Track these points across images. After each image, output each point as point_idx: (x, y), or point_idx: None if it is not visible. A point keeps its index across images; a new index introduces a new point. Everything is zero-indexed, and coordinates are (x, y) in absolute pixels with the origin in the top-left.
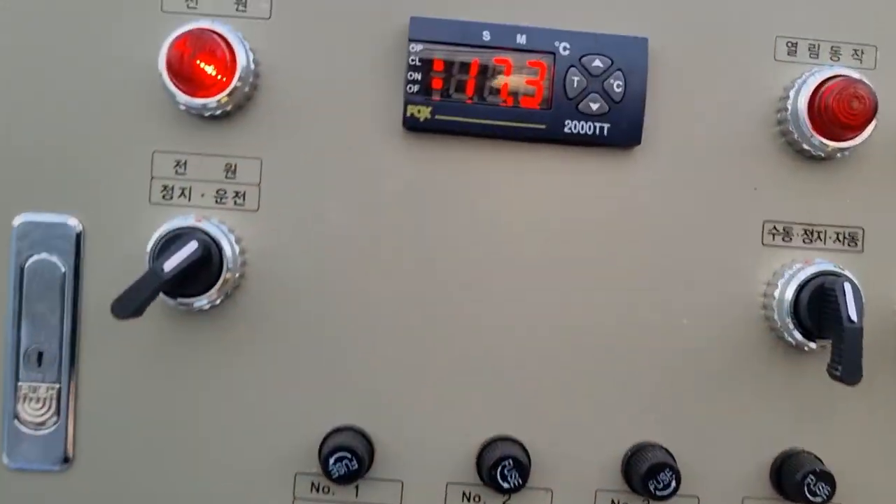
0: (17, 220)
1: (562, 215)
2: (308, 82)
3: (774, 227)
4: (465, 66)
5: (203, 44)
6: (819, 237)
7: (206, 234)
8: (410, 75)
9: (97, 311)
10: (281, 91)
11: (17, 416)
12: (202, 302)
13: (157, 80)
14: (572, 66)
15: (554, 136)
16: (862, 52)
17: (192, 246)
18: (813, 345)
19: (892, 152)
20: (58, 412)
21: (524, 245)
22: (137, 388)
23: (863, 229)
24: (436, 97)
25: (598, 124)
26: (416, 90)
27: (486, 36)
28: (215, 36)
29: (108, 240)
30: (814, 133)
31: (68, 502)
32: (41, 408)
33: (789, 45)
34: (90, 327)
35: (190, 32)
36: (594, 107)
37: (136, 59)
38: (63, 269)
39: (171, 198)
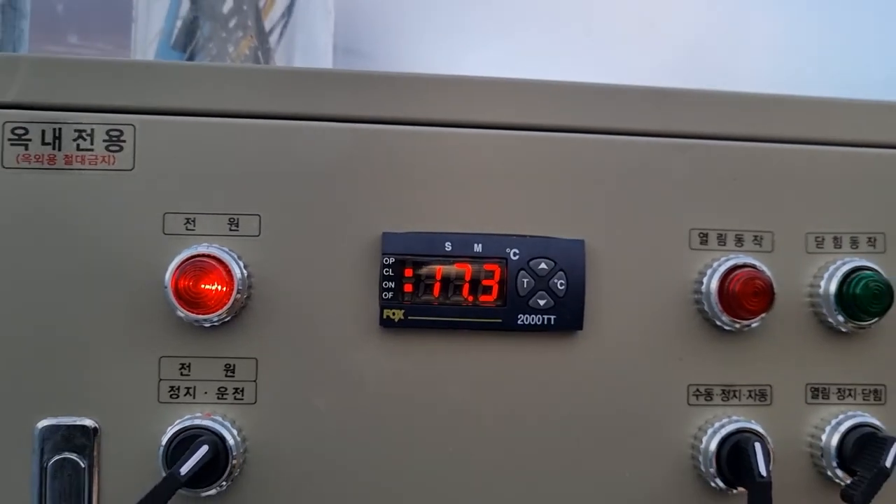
0: (41, 424)
1: (518, 392)
2: (295, 290)
3: (697, 390)
4: (431, 273)
5: (207, 270)
6: (735, 395)
7: (213, 431)
8: (385, 284)
9: (113, 501)
10: (272, 299)
11: None
12: (210, 491)
13: (161, 294)
14: (522, 269)
15: (509, 328)
16: (761, 238)
17: (204, 450)
18: (734, 491)
19: (789, 319)
20: None
21: (487, 418)
22: None
23: (770, 386)
24: (407, 301)
25: (545, 316)
26: (390, 296)
27: (448, 246)
28: (213, 261)
29: (122, 438)
30: (723, 313)
31: None
32: None
33: (701, 235)
34: None
35: (194, 262)
36: (542, 303)
37: (141, 278)
38: (83, 466)
39: (178, 397)
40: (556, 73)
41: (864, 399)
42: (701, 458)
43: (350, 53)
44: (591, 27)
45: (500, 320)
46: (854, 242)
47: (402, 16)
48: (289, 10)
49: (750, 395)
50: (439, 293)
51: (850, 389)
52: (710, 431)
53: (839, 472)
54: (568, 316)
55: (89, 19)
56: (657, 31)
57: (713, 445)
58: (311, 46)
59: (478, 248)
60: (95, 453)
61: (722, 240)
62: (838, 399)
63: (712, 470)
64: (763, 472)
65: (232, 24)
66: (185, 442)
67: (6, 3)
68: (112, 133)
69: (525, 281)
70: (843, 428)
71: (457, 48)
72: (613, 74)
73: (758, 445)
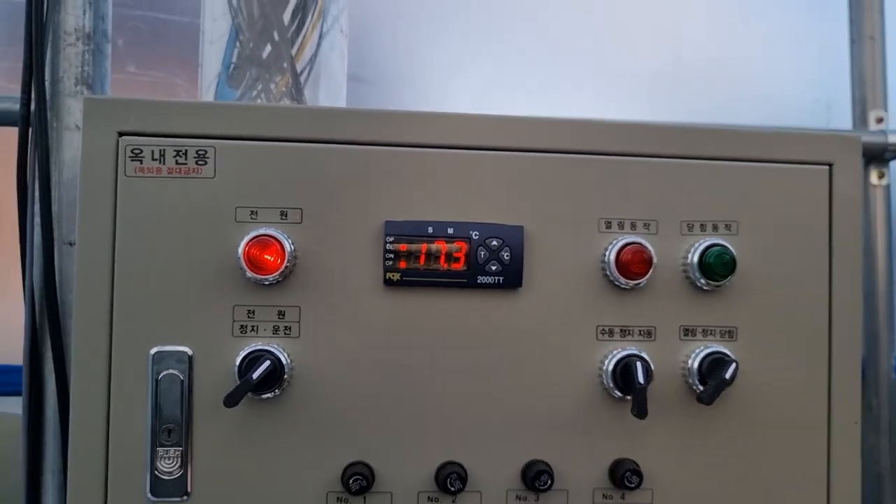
0: (153, 350)
1: (477, 330)
2: (326, 260)
3: (603, 329)
4: (418, 248)
5: (267, 245)
6: (629, 333)
7: (272, 353)
8: (387, 255)
9: (204, 404)
10: (309, 267)
11: (156, 469)
12: (268, 395)
13: (235, 263)
14: (480, 245)
15: (471, 286)
16: (649, 225)
17: (267, 363)
18: (627, 397)
19: (668, 280)
20: (182, 465)
21: (456, 347)
22: (229, 448)
23: (655, 327)
24: (403, 267)
25: (496, 278)
26: (390, 264)
27: (430, 230)
28: (272, 239)
29: (208, 360)
30: (619, 276)
31: None
32: (171, 463)
33: (606, 222)
34: (199, 414)
35: (258, 240)
36: (493, 268)
37: (223, 250)
38: (182, 379)
39: (246, 333)
40: (523, 97)
41: (721, 337)
42: (604, 377)
43: (356, 80)
44: (554, 60)
45: (465, 280)
46: (715, 227)
47: (398, 51)
48: (314, 55)
49: (640, 334)
50: (424, 262)
51: (711, 330)
52: (610, 357)
53: (700, 386)
54: (511, 278)
55: (144, 52)
56: (615, 65)
57: (611, 367)
58: (332, 82)
59: (450, 231)
60: (190, 371)
61: (621, 225)
62: (703, 337)
63: (611, 384)
64: (641, 380)
65: (272, 68)
66: (252, 361)
67: (95, 49)
68: (199, 152)
69: (482, 253)
70: (702, 355)
71: (443, 76)
72: (570, 97)
73: (639, 364)
